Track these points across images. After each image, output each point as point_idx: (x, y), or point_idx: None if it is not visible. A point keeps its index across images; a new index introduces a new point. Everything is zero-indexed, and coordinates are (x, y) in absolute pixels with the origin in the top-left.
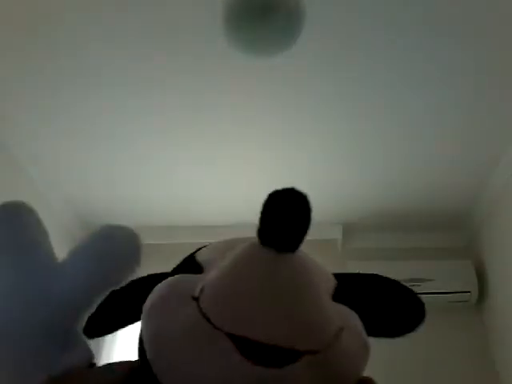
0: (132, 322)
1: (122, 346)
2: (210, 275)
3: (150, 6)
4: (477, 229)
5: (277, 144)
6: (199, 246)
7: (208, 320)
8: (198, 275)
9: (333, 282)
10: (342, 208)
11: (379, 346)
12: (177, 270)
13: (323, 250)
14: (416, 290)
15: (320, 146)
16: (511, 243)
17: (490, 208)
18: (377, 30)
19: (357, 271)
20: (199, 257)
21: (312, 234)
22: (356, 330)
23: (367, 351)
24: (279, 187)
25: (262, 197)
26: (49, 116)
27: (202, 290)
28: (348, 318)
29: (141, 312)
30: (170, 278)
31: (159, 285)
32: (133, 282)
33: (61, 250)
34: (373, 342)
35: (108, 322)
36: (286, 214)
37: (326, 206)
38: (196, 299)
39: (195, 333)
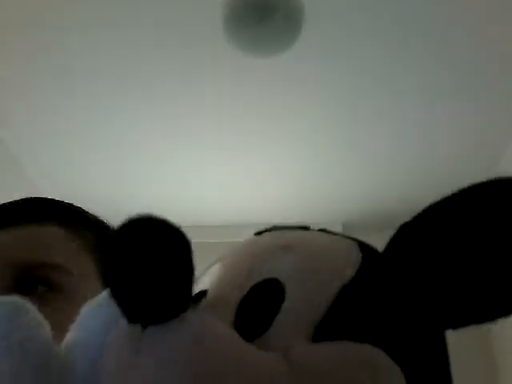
0: None
1: None
2: None
3: (149, 6)
4: None
5: (276, 143)
6: None
7: None
8: None
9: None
10: (342, 208)
11: None
12: None
13: None
14: None
15: (320, 146)
16: None
17: None
18: (378, 31)
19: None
20: None
21: None
22: None
23: None
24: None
25: (261, 195)
26: (49, 116)
27: None
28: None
29: None
30: None
31: None
32: None
33: None
34: None
35: None
36: (137, 266)
37: (326, 205)
38: None
39: None
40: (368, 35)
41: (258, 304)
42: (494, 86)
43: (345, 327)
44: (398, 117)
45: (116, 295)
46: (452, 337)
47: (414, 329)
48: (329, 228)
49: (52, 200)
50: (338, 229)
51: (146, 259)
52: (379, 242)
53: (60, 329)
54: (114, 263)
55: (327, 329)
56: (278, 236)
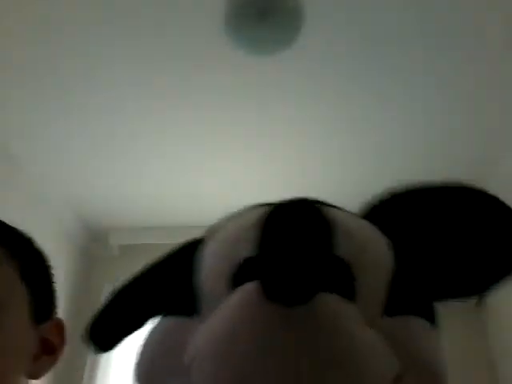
0: (140, 326)
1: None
2: (203, 336)
3: (150, 7)
4: None
5: (276, 144)
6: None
7: None
8: (192, 322)
9: (389, 275)
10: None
11: None
12: (173, 282)
13: None
14: None
15: (319, 146)
16: None
17: None
18: (377, 30)
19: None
20: (203, 279)
21: None
22: (424, 362)
23: (443, 381)
24: (282, 200)
25: (261, 196)
26: (49, 116)
27: (193, 359)
28: (409, 344)
29: (147, 314)
30: (160, 328)
31: (148, 338)
32: (136, 278)
33: (60, 249)
34: None
35: (115, 328)
36: (296, 248)
37: None
38: (186, 369)
39: None
40: (368, 33)
41: (336, 279)
42: (495, 87)
43: (403, 305)
44: (398, 116)
45: (270, 275)
46: None
47: (429, 301)
48: None
49: None
50: None
51: (298, 246)
52: None
53: None
54: (271, 251)
55: (393, 306)
56: (329, 213)
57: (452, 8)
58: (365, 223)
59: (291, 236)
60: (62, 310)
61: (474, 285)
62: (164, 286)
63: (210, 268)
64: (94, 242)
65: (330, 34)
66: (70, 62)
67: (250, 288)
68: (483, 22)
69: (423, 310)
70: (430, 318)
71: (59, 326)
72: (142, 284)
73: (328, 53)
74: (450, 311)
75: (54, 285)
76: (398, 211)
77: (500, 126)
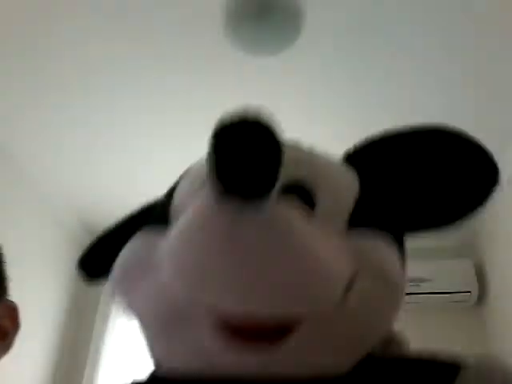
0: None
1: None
2: (170, 236)
3: (150, 6)
4: (477, 228)
5: None
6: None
7: (172, 297)
8: (164, 231)
9: (351, 198)
10: None
11: None
12: (154, 210)
13: None
14: (416, 290)
15: (318, 147)
16: (511, 243)
17: (490, 207)
18: (377, 30)
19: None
20: (175, 199)
21: None
22: (377, 266)
23: (396, 290)
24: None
25: None
26: (49, 116)
27: (162, 258)
28: (365, 251)
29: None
30: (134, 240)
31: (125, 249)
32: (119, 221)
33: (61, 249)
34: None
35: (101, 254)
36: (243, 147)
37: None
38: (156, 268)
39: (159, 314)
40: (368, 34)
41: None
42: (495, 85)
43: (366, 218)
44: (398, 116)
45: (221, 171)
46: None
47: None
48: None
49: None
50: None
51: (247, 147)
52: None
53: None
54: (222, 152)
55: (356, 218)
56: (294, 149)
57: (451, 7)
58: (322, 151)
59: (243, 140)
60: (61, 310)
61: (442, 216)
62: (144, 216)
63: (181, 192)
64: None
65: (330, 33)
66: (70, 62)
67: (209, 191)
68: (484, 19)
69: (387, 228)
70: (396, 237)
71: (11, 309)
72: (126, 220)
73: (329, 53)
74: (449, 311)
75: (4, 266)
76: (367, 152)
77: (500, 126)
